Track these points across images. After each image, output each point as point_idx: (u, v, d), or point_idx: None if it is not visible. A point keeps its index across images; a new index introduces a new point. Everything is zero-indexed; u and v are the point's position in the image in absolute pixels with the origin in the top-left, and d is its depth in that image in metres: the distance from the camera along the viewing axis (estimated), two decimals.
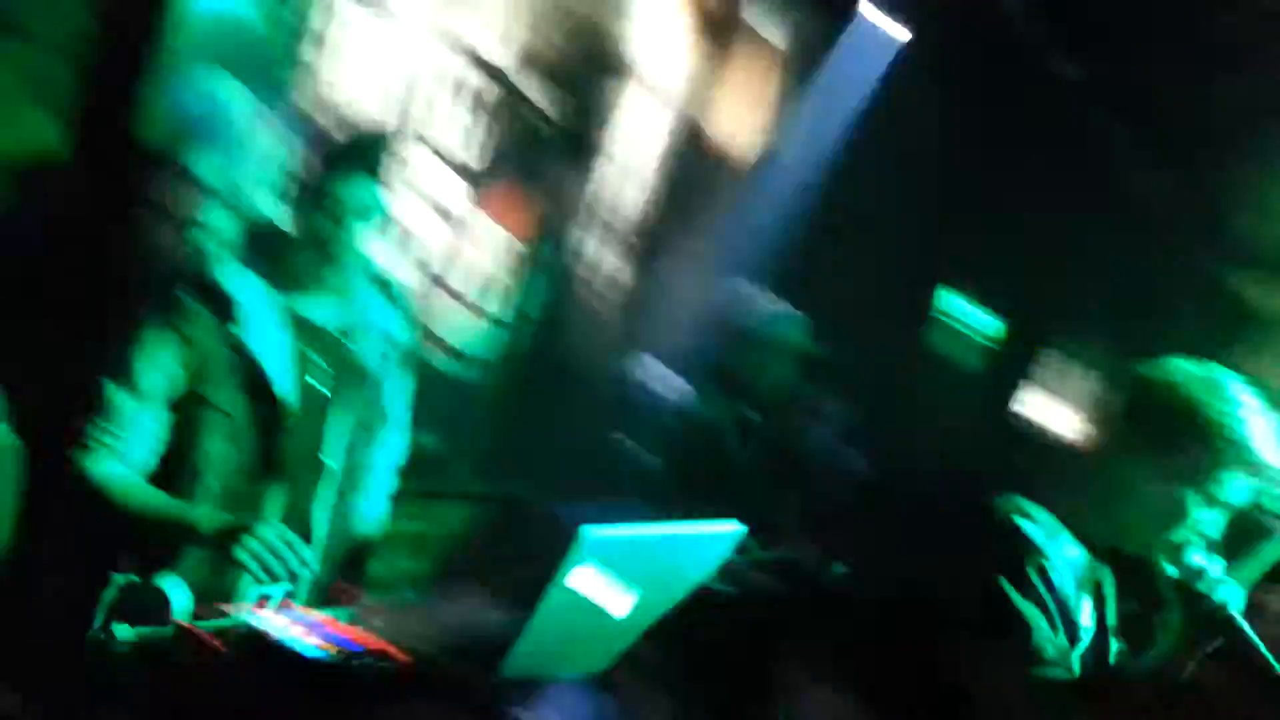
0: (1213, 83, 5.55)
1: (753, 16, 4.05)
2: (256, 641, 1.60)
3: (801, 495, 4.48)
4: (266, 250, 2.03)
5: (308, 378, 2.03)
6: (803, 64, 4.29)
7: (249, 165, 2.43)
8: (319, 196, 1.99)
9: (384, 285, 2.20)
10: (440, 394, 3.18)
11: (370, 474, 2.21)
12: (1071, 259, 7.07)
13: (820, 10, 4.36)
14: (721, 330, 3.75)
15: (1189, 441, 1.75)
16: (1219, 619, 1.76)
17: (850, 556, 4.20)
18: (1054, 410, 7.44)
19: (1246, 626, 1.76)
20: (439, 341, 3.17)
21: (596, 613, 1.77)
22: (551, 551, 1.65)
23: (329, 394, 2.07)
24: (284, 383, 1.98)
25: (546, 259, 3.45)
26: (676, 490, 3.39)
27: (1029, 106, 5.74)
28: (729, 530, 1.95)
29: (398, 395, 2.24)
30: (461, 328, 3.24)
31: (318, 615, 1.76)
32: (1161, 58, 5.53)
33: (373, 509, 2.26)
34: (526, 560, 3.34)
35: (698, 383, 3.63)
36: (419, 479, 3.13)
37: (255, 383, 1.96)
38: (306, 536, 2.05)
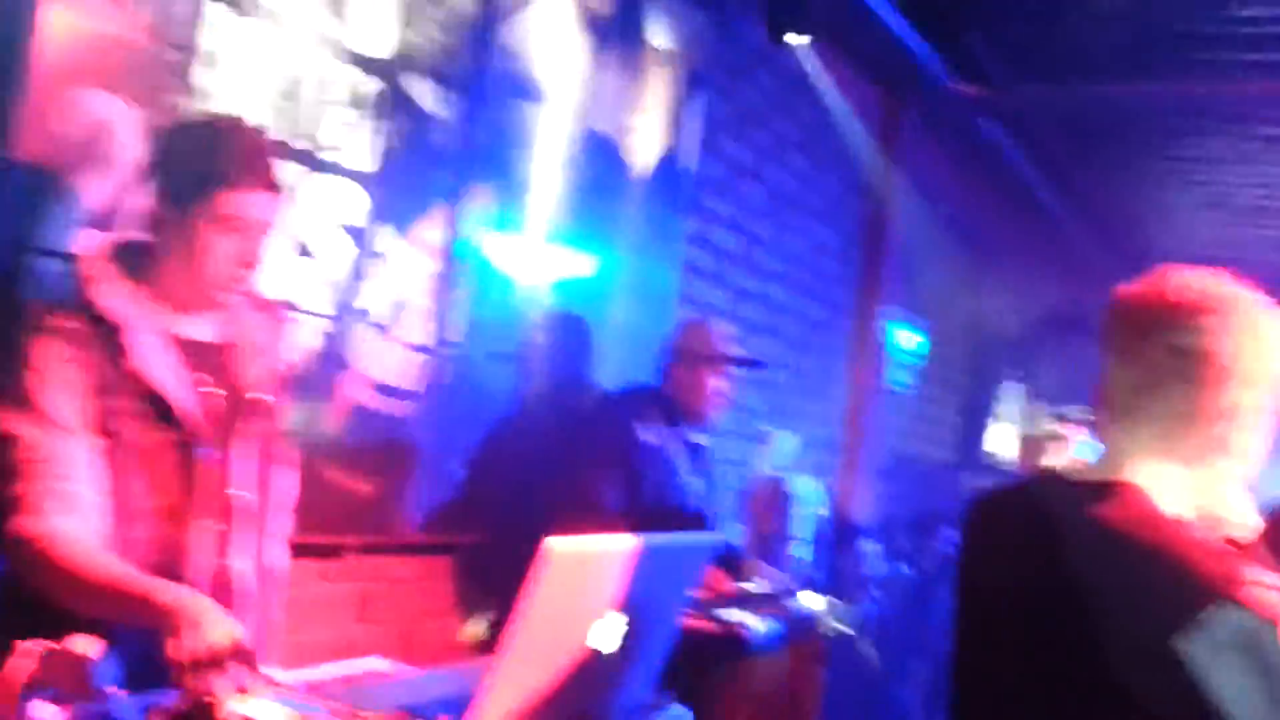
0: None
1: (648, 24, 3.96)
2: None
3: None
4: (145, 269, 1.82)
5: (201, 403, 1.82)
6: (699, 74, 4.22)
7: (130, 184, 2.21)
8: (198, 210, 1.78)
9: (269, 305, 2.02)
10: (368, 433, 2.94)
11: (274, 514, 1.98)
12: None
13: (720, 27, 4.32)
14: (657, 351, 3.60)
15: None
16: None
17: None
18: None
19: None
20: (356, 374, 2.93)
21: (571, 638, 1.60)
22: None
23: (227, 421, 1.85)
24: (184, 409, 1.78)
25: (465, 280, 3.22)
26: (632, 521, 3.21)
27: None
28: (703, 539, 1.84)
29: (287, 424, 2.03)
30: (382, 359, 2.98)
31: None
32: None
33: (280, 555, 2.01)
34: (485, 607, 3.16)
35: (638, 406, 3.46)
36: (356, 532, 2.96)
37: (157, 410, 1.75)
38: (228, 589, 1.83)
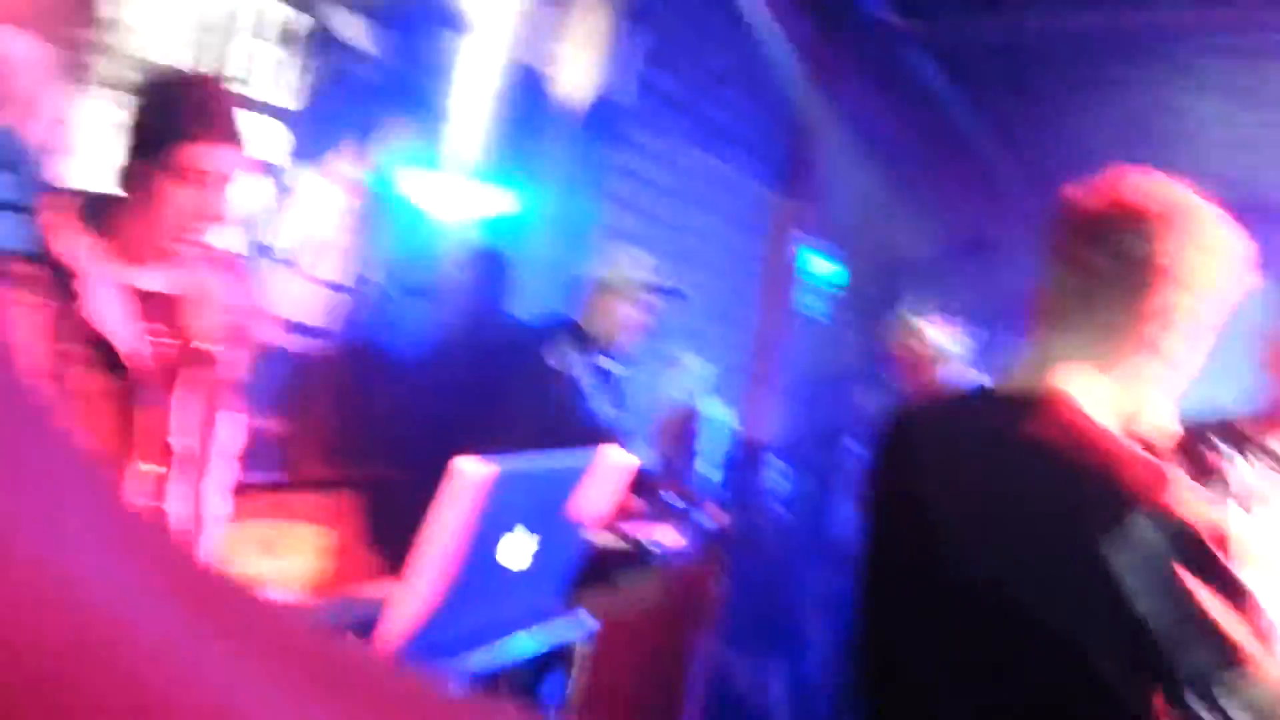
0: None
1: None
2: None
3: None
4: (107, 220, 1.85)
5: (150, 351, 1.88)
6: (633, 5, 4.24)
7: (62, 129, 2.24)
8: (159, 162, 1.81)
9: (225, 257, 2.05)
10: (278, 372, 2.99)
11: (216, 461, 2.04)
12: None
13: None
14: (576, 283, 3.72)
15: None
16: None
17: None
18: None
19: None
20: (272, 313, 3.02)
21: (477, 555, 1.67)
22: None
23: (174, 370, 1.92)
24: (131, 356, 1.83)
25: (382, 216, 3.27)
26: (541, 445, 3.35)
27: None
28: (601, 455, 1.95)
29: (236, 372, 2.08)
30: (296, 297, 3.05)
31: None
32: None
33: (219, 501, 2.07)
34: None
35: (548, 334, 3.59)
36: (263, 469, 2.97)
37: (105, 358, 1.80)
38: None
